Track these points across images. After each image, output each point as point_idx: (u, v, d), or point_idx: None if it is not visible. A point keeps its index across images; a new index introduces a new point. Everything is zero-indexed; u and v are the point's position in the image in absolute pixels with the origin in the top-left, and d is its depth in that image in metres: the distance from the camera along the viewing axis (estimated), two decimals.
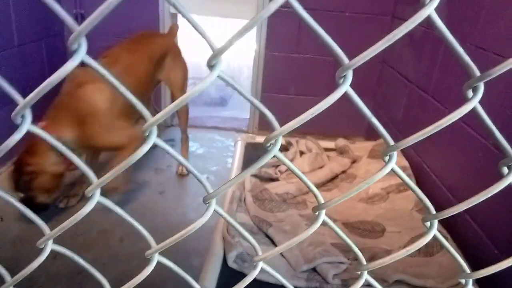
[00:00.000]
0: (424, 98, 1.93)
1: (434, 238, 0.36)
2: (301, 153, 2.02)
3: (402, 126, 2.18)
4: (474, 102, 0.30)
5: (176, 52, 2.29)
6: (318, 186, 1.79)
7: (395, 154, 0.32)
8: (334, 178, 1.87)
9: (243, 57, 4.04)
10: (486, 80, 0.29)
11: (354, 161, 1.97)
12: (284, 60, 2.72)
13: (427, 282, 1.21)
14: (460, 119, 1.39)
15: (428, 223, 0.35)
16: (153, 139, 0.32)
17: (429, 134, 0.31)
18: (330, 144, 2.13)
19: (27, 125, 0.31)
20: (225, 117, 3.31)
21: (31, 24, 2.33)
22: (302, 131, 2.77)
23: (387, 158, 0.33)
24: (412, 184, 0.34)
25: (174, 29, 2.38)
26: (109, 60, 1.83)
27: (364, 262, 0.38)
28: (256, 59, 2.74)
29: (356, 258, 1.33)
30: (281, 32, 2.65)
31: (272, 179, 1.79)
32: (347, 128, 2.85)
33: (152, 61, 2.06)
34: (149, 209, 1.97)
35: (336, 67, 0.30)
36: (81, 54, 0.29)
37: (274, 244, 1.37)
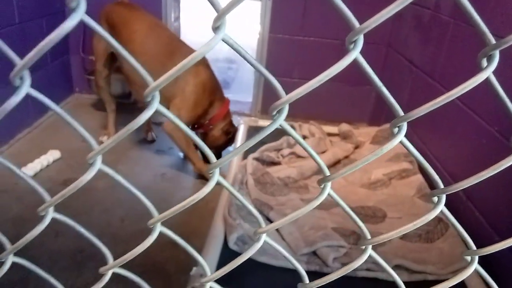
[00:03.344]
0: (429, 83, 1.91)
1: (442, 213, 0.35)
2: (304, 137, 2.00)
3: (407, 111, 2.16)
4: (488, 71, 0.29)
5: None
6: (320, 171, 1.78)
7: (404, 125, 0.31)
8: (336, 163, 1.86)
9: (247, 40, 4.00)
10: (502, 48, 0.28)
11: (357, 147, 1.96)
12: (288, 43, 2.68)
13: (427, 268, 1.21)
14: (464, 104, 1.37)
15: (435, 198, 0.34)
16: (156, 105, 0.31)
17: (440, 105, 0.30)
18: (333, 129, 2.11)
19: (26, 88, 0.30)
20: None
21: (32, 1, 2.30)
22: (305, 116, 2.76)
23: (396, 130, 0.32)
24: (421, 158, 0.33)
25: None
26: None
27: (369, 236, 0.37)
28: (260, 42, 2.71)
29: (356, 243, 1.33)
30: (285, 14, 2.61)
31: (274, 163, 1.78)
32: (351, 114, 2.83)
33: None
34: (150, 191, 1.98)
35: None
36: (80, 13, 0.28)
37: None
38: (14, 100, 0.30)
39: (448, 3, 1.81)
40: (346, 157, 1.89)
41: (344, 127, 2.06)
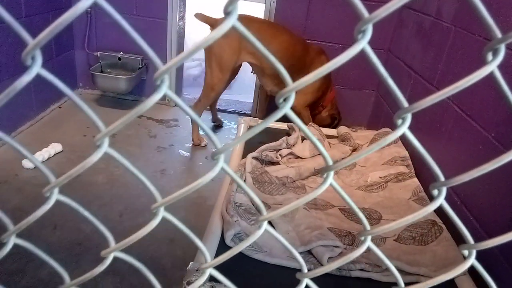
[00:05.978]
0: (428, 89, 1.92)
1: (440, 208, 0.36)
2: (303, 138, 2.01)
3: None
4: (493, 65, 0.29)
5: None
6: (318, 172, 1.79)
7: (409, 116, 0.32)
8: None
9: None
10: (508, 42, 0.29)
11: (355, 149, 1.97)
12: None
13: (420, 269, 1.21)
14: (462, 110, 1.37)
15: (436, 191, 0.35)
16: (164, 89, 0.32)
17: (445, 96, 0.30)
18: (332, 131, 2.13)
19: (37, 67, 0.31)
20: (229, 100, 3.30)
21: None
22: None
23: (400, 121, 0.33)
24: (422, 149, 0.34)
25: None
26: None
27: (368, 228, 0.38)
28: None
29: (351, 243, 1.34)
30: (288, 17, 2.62)
31: (273, 163, 1.79)
32: (350, 117, 2.85)
33: None
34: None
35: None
36: None
37: (272, 226, 1.38)
38: (25, 79, 0.31)
39: (450, 10, 1.83)
40: (344, 159, 1.90)
41: (343, 129, 2.07)
